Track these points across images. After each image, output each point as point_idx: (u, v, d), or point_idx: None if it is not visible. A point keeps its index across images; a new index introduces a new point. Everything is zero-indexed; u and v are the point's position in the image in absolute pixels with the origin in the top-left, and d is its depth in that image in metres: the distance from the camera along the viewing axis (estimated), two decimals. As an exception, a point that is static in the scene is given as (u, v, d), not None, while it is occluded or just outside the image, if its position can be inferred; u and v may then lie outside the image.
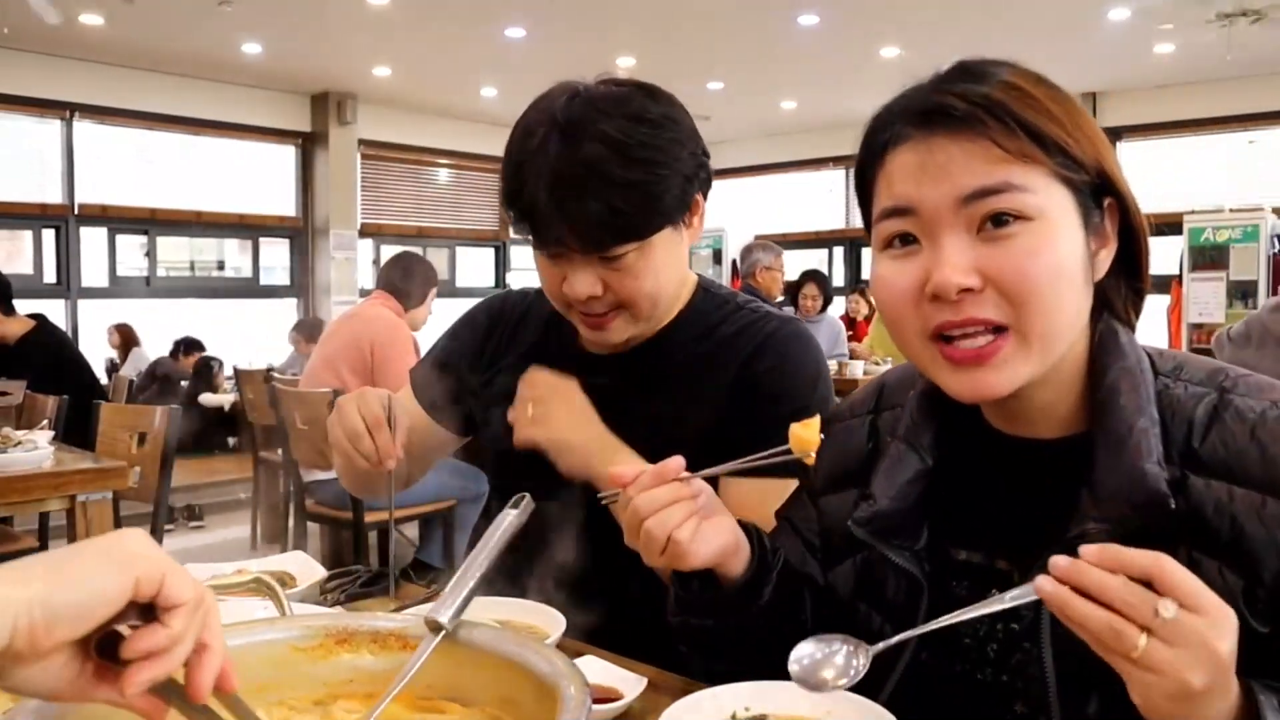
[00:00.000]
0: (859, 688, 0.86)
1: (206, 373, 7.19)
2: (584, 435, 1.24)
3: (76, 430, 3.45)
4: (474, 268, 10.93)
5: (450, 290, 9.55)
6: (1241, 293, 7.35)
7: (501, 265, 11.08)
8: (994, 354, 0.81)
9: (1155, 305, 7.33)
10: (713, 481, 0.96)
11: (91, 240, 8.23)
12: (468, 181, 10.56)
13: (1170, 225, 7.50)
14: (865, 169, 0.90)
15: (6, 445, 2.68)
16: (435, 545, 4.14)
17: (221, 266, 9.31)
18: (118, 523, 2.87)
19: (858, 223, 0.97)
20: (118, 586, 0.57)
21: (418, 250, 6.98)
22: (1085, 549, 0.68)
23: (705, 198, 1.29)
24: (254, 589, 1.17)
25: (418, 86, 8.99)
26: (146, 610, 0.59)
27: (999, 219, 0.80)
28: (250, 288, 9.31)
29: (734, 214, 9.97)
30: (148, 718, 0.63)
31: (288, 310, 9.34)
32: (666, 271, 1.25)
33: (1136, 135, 9.04)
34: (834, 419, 1.08)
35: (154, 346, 7.75)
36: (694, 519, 0.91)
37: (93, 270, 8.26)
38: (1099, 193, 0.85)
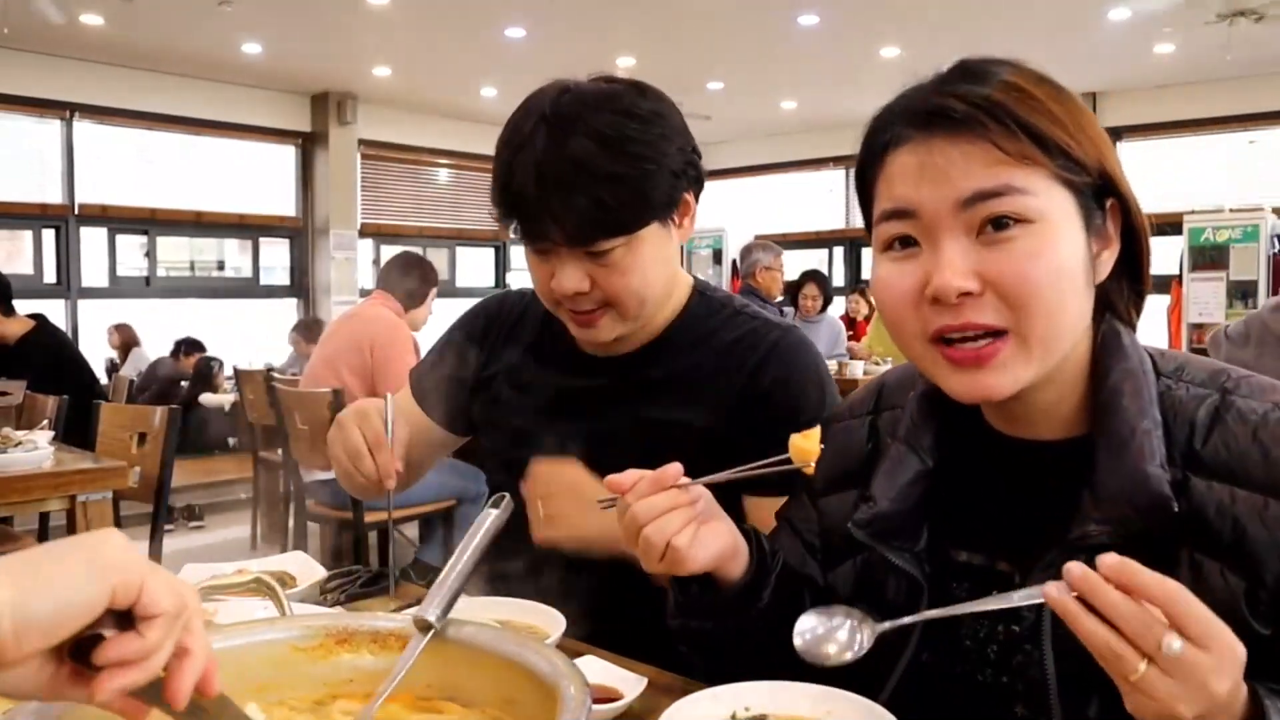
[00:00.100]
0: (859, 688, 0.86)
1: (206, 373, 7.19)
2: (600, 525, 1.18)
3: (76, 430, 3.44)
4: (474, 268, 10.93)
5: (450, 290, 9.54)
6: (1241, 293, 7.35)
7: (501, 265, 11.08)
8: (993, 356, 0.81)
9: (1155, 305, 7.32)
10: (714, 488, 0.96)
11: (91, 240, 8.22)
12: (468, 182, 10.55)
13: (1170, 225, 7.50)
14: (865, 170, 0.89)
15: (6, 445, 2.67)
16: (435, 545, 4.14)
17: (221, 267, 9.30)
18: (118, 523, 2.87)
19: (858, 223, 0.97)
20: (92, 596, 0.55)
21: (418, 250, 6.97)
22: (1103, 560, 0.67)
23: (697, 198, 1.29)
24: (254, 589, 1.16)
25: (418, 86, 8.98)
26: (124, 617, 0.57)
27: (999, 222, 0.80)
28: (250, 288, 9.29)
29: (734, 214, 9.99)
30: (127, 718, 0.61)
31: (288, 310, 9.33)
32: (654, 269, 1.25)
33: (1136, 135, 9.03)
34: (833, 419, 1.09)
35: (154, 347, 7.74)
36: (692, 525, 0.91)
37: (93, 270, 8.25)
38: (1101, 194, 0.84)
